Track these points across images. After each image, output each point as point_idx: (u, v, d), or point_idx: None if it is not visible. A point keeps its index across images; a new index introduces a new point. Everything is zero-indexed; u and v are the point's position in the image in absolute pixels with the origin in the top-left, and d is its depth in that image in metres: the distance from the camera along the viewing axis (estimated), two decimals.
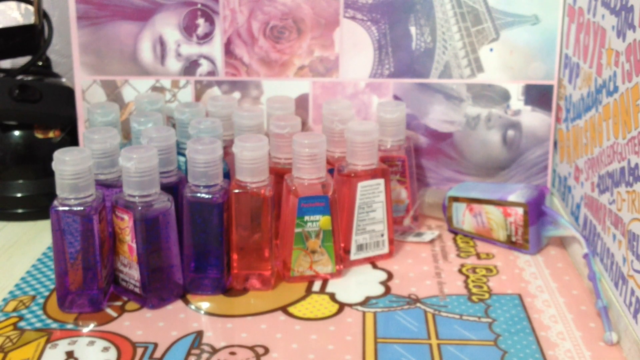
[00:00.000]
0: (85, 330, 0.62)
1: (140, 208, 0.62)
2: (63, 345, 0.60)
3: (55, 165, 0.61)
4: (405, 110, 0.79)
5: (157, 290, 0.65)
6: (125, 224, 0.63)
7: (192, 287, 0.68)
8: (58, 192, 0.62)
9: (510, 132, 0.85)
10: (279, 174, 0.71)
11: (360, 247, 0.72)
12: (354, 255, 0.73)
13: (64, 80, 0.92)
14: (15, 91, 0.83)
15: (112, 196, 0.65)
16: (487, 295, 0.68)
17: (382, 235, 0.73)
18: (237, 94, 0.85)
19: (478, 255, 0.75)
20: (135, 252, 0.63)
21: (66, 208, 0.62)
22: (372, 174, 0.71)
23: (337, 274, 0.70)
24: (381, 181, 0.71)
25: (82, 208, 0.62)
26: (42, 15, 0.89)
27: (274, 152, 0.72)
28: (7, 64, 0.94)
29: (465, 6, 0.82)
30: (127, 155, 0.62)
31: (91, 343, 0.60)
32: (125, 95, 0.85)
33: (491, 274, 0.72)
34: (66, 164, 0.61)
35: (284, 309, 0.65)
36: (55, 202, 0.62)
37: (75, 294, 0.64)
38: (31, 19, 0.92)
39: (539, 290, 0.69)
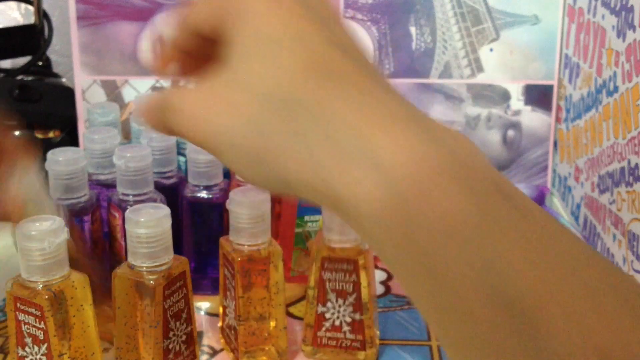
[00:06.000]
0: None
1: (129, 207, 0.62)
2: None
3: (48, 165, 0.61)
4: None
5: None
6: (117, 222, 0.64)
7: (192, 287, 0.67)
8: (51, 192, 0.62)
9: (510, 132, 0.85)
10: None
11: None
12: None
13: (64, 80, 0.92)
14: (15, 91, 0.83)
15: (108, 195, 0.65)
16: None
17: None
18: None
19: None
20: (124, 250, 0.63)
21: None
22: None
23: None
24: None
25: (74, 208, 0.62)
26: (42, 15, 0.89)
27: None
28: (7, 64, 0.94)
29: (465, 6, 0.82)
30: (119, 154, 0.62)
31: None
32: (125, 95, 0.85)
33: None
34: (59, 164, 0.61)
35: None
36: None
37: None
38: (31, 19, 0.92)
39: None
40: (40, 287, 0.48)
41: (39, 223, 0.49)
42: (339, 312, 0.57)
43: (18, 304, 0.49)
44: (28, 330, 0.49)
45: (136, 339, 0.53)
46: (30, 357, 0.50)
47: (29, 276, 0.49)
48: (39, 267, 0.48)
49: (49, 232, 0.48)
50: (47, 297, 0.48)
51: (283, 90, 0.32)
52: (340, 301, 0.57)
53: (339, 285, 0.56)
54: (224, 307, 0.59)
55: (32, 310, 0.49)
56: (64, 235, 0.49)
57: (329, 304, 0.57)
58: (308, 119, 0.31)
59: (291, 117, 0.31)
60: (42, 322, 0.48)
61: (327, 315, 0.57)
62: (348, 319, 0.57)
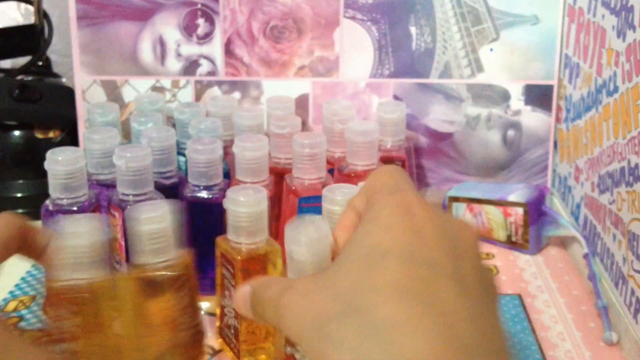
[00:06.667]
0: None
1: (129, 207, 0.62)
2: None
3: (47, 165, 0.61)
4: (405, 110, 0.79)
5: None
6: (116, 222, 0.64)
7: None
8: (50, 191, 0.62)
9: (510, 132, 0.85)
10: (279, 174, 0.71)
11: None
12: None
13: (64, 80, 0.92)
14: (15, 91, 0.83)
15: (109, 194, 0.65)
16: None
17: None
18: (237, 94, 0.85)
19: None
20: (124, 250, 0.63)
21: (57, 208, 0.62)
22: None
23: None
24: None
25: (73, 208, 0.62)
26: (42, 15, 0.89)
27: (274, 152, 0.72)
28: (7, 64, 0.94)
29: (465, 6, 0.82)
30: (119, 154, 0.62)
31: None
32: (125, 95, 0.85)
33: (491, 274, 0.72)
34: (58, 164, 0.61)
35: None
36: (47, 202, 0.62)
37: None
38: (31, 19, 0.92)
39: (539, 291, 0.69)
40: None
41: (81, 220, 0.49)
42: None
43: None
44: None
45: (147, 337, 0.53)
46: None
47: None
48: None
49: (88, 230, 0.48)
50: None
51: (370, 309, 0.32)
52: None
53: None
54: (222, 307, 0.59)
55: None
56: (105, 235, 0.49)
57: None
58: (373, 334, 0.31)
59: (358, 329, 0.31)
60: None
61: None
62: None
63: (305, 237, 0.50)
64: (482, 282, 0.35)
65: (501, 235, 0.76)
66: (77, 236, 0.48)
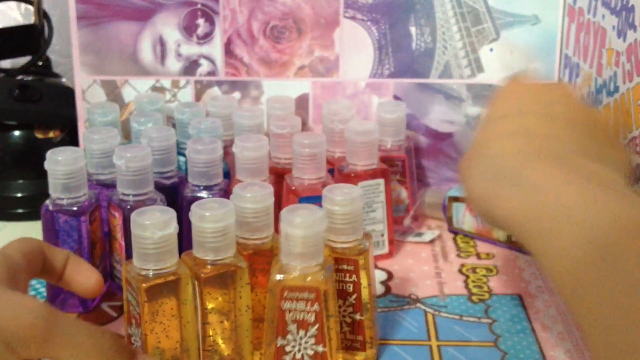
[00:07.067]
0: None
1: (129, 207, 0.62)
2: None
3: (47, 165, 0.61)
4: (405, 110, 0.79)
5: None
6: (117, 222, 0.64)
7: None
8: (51, 191, 0.62)
9: None
10: (279, 174, 0.71)
11: None
12: None
13: (64, 80, 0.92)
14: (15, 91, 0.83)
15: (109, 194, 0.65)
16: (487, 296, 0.68)
17: (382, 235, 0.73)
18: (237, 94, 0.85)
19: (478, 255, 0.75)
20: (124, 250, 0.63)
21: (57, 207, 0.62)
22: (372, 174, 0.71)
23: None
24: (381, 181, 0.71)
25: (73, 208, 0.62)
26: (42, 15, 0.89)
27: (274, 152, 0.72)
28: (7, 64, 0.94)
29: (465, 6, 0.82)
30: (119, 154, 0.62)
31: None
32: (125, 95, 0.85)
33: (491, 274, 0.72)
34: (58, 164, 0.61)
35: None
36: (47, 202, 0.62)
37: (67, 293, 0.64)
38: (31, 19, 0.92)
39: (539, 291, 0.69)
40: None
41: (150, 213, 0.50)
42: (339, 312, 0.57)
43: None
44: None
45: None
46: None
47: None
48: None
49: (159, 223, 0.49)
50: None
51: (505, 162, 0.49)
52: (341, 302, 0.57)
53: (339, 286, 0.56)
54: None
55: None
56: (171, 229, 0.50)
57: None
58: (516, 180, 0.47)
59: (507, 177, 0.47)
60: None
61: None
62: (348, 320, 0.57)
63: (300, 217, 0.51)
64: (583, 120, 0.52)
65: (501, 235, 0.76)
66: (150, 228, 0.50)
